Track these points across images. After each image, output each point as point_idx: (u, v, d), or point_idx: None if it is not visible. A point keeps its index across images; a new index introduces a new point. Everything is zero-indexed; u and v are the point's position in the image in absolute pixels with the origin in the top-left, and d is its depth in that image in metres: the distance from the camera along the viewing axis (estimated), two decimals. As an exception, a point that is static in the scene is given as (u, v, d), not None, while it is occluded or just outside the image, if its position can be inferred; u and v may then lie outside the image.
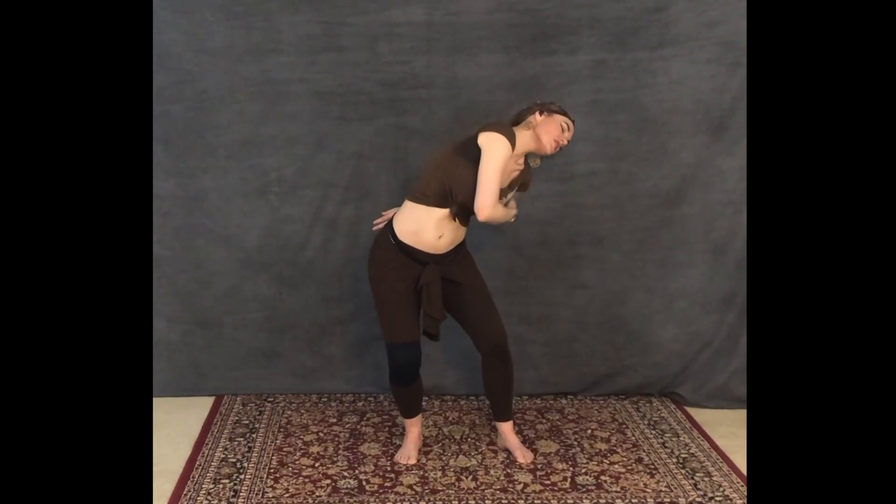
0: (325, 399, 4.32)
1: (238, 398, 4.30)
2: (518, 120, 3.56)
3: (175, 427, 3.91)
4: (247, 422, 4.03)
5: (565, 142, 3.53)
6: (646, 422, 4.13)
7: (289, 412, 4.16)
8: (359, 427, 3.99)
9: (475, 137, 3.33)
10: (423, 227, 3.41)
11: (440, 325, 3.53)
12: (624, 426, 4.07)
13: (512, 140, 3.34)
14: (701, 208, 4.18)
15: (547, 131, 3.48)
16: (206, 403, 4.23)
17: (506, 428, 3.72)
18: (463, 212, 3.43)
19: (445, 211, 3.41)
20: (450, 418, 4.11)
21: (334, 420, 4.06)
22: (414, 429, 3.69)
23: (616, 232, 4.20)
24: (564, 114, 3.55)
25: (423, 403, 3.85)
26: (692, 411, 4.28)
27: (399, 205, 3.99)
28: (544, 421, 4.10)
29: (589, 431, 3.99)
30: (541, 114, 3.51)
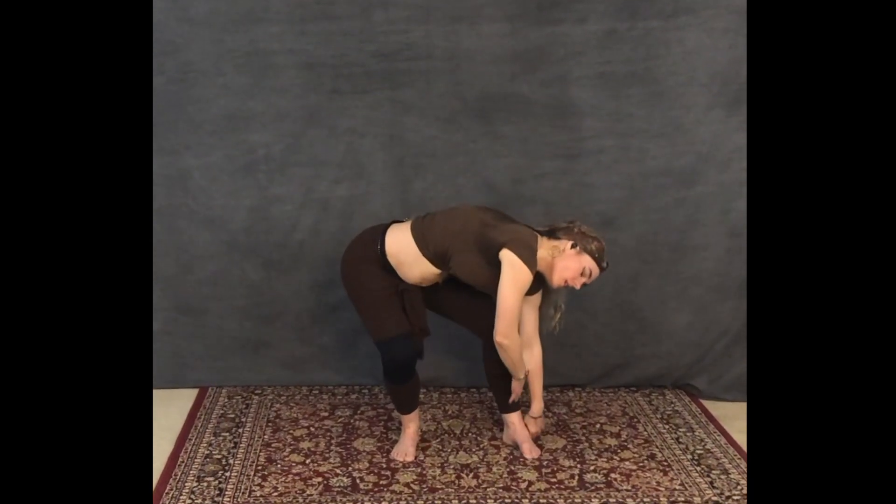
0: (317, 391, 4.30)
1: (223, 390, 4.28)
2: (552, 233, 3.48)
3: (156, 421, 3.83)
4: (232, 416, 4.00)
5: (577, 286, 3.45)
6: (658, 415, 4.10)
7: (277, 405, 4.13)
8: (352, 421, 3.97)
9: (499, 246, 3.32)
10: (409, 265, 3.48)
11: (423, 343, 3.57)
12: (635, 420, 4.04)
13: (533, 268, 3.33)
14: (717, 188, 4.15)
15: (565, 267, 3.42)
16: (189, 396, 4.20)
17: (515, 419, 3.70)
18: (451, 277, 3.50)
19: (436, 269, 3.45)
20: (449, 412, 4.09)
21: (326, 414, 4.04)
22: (411, 423, 3.66)
23: (627, 213, 4.18)
24: (598, 260, 3.44)
25: (421, 396, 3.81)
26: (708, 404, 4.26)
27: (395, 183, 3.97)
28: (550, 415, 4.06)
29: (598, 426, 3.97)
30: (573, 247, 3.42)
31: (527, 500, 3.29)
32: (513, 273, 3.29)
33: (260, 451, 3.64)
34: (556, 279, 3.43)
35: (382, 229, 3.52)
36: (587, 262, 3.41)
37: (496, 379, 3.65)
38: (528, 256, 3.30)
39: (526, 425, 3.69)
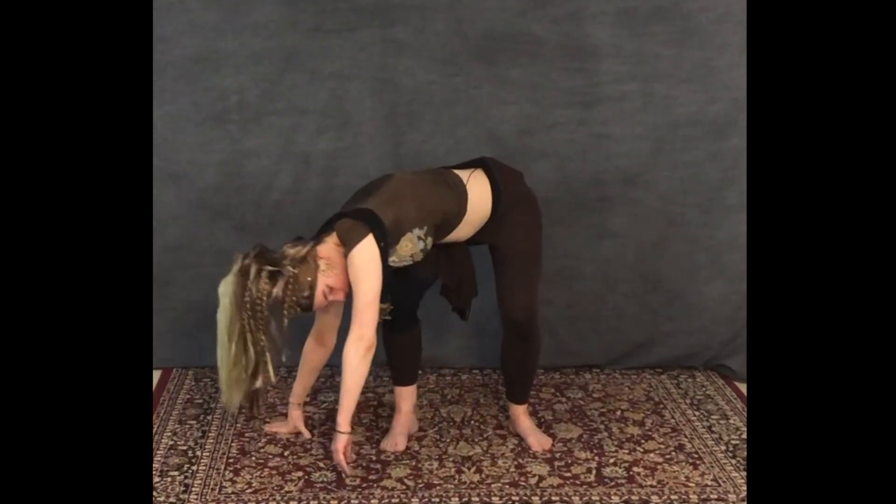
0: (297, 374, 4.17)
1: (190, 372, 4.30)
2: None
3: (113, 407, 3.81)
4: (200, 400, 4.01)
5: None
6: (688, 401, 4.08)
7: (252, 389, 4.07)
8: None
9: None
10: None
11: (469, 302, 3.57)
12: (661, 406, 4.03)
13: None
14: (755, 140, 4.05)
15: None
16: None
17: (517, 411, 3.70)
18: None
19: None
20: (448, 397, 4.08)
21: (307, 399, 3.97)
22: (405, 405, 3.64)
23: (651, 169, 4.15)
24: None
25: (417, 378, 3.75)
26: (744, 388, 4.22)
27: (386, 135, 4.08)
28: (564, 400, 4.05)
29: (618, 413, 3.96)
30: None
31: (537, 498, 3.24)
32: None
33: (232, 442, 3.62)
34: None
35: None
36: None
37: (508, 371, 3.65)
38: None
39: None
